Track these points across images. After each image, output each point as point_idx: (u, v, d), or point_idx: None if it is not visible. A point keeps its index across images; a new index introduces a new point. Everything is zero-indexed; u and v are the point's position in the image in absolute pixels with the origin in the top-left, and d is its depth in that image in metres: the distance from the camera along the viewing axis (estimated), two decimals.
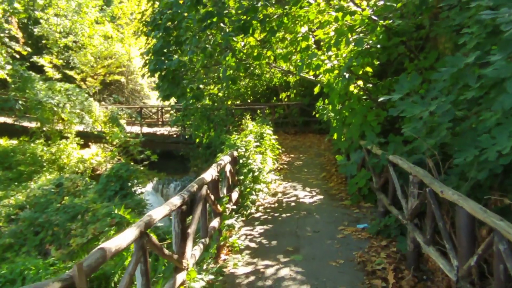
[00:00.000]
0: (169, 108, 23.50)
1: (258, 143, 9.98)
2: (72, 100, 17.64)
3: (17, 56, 21.54)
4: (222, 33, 7.34)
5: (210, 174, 5.47)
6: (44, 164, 17.55)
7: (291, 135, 20.32)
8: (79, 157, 18.38)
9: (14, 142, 18.65)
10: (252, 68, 10.62)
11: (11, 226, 13.57)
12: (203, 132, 11.35)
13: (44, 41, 20.78)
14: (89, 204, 12.46)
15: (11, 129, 20.09)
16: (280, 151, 14.40)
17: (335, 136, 9.86)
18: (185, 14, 8.50)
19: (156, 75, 9.84)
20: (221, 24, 7.56)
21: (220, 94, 13.00)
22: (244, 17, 7.41)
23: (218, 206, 5.84)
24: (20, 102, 17.26)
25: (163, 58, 9.36)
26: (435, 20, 8.52)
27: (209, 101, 13.01)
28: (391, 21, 8.16)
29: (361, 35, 7.01)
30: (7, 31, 19.72)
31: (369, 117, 8.39)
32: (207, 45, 7.96)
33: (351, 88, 9.05)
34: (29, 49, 21.94)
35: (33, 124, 20.12)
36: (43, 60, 20.86)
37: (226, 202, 6.15)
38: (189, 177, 20.15)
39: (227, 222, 5.95)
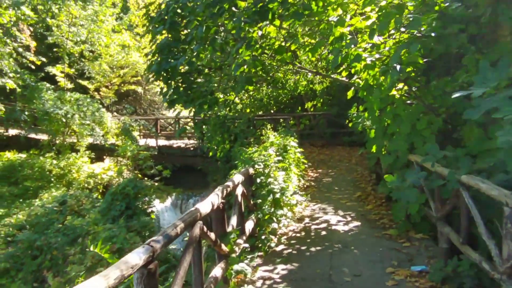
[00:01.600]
0: (189, 120, 22.26)
1: (280, 157, 8.36)
2: (82, 110, 16.46)
3: (33, 66, 20.77)
4: (234, 19, 5.81)
5: (209, 202, 3.91)
6: (52, 179, 16.38)
7: (318, 148, 18.59)
8: (89, 172, 17.16)
9: (23, 156, 17.64)
10: (273, 68, 9.00)
11: (9, 248, 12.31)
12: (216, 145, 9.76)
13: (55, 49, 19.79)
14: (90, 226, 11.06)
15: (23, 142, 19.12)
16: (306, 165, 12.73)
17: (373, 149, 8.15)
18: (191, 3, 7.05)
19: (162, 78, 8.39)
20: (234, 9, 6.05)
21: (237, 101, 11.36)
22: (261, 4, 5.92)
23: (223, 245, 4.23)
24: (26, 113, 16.18)
25: (168, 57, 7.92)
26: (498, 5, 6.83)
27: (226, 109, 11.46)
28: (446, 4, 6.50)
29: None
30: (19, 40, 18.78)
31: (419, 125, 6.68)
32: (216, 36, 6.46)
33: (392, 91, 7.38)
34: (44, 59, 21.10)
35: (44, 137, 19.16)
36: (55, 70, 19.88)
37: (235, 239, 4.54)
38: (209, 192, 19.14)
39: (236, 267, 4.33)
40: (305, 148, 16.24)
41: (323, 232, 7.13)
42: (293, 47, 7.89)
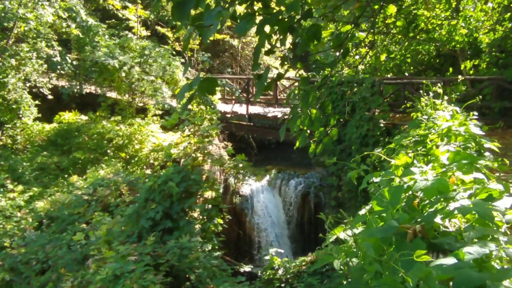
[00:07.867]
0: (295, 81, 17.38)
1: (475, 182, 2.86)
2: (148, 62, 12.32)
3: (120, 15, 17.37)
4: None
5: None
6: (109, 151, 12.74)
7: None
8: (156, 144, 13.20)
9: (85, 118, 14.36)
10: None
11: (20, 248, 8.80)
12: (309, 127, 4.47)
13: None
14: (100, 244, 6.77)
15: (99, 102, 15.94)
16: None
17: None
18: None
19: None
20: None
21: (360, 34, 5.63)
22: None
23: None
24: (75, 62, 12.50)
25: None
26: None
27: (340, 61, 6.10)
28: None
29: None
30: None
31: None
32: None
33: None
34: (129, 4, 17.54)
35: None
36: (127, 12, 16.11)
37: None
38: (315, 174, 14.58)
39: None
40: None
41: None
42: None
